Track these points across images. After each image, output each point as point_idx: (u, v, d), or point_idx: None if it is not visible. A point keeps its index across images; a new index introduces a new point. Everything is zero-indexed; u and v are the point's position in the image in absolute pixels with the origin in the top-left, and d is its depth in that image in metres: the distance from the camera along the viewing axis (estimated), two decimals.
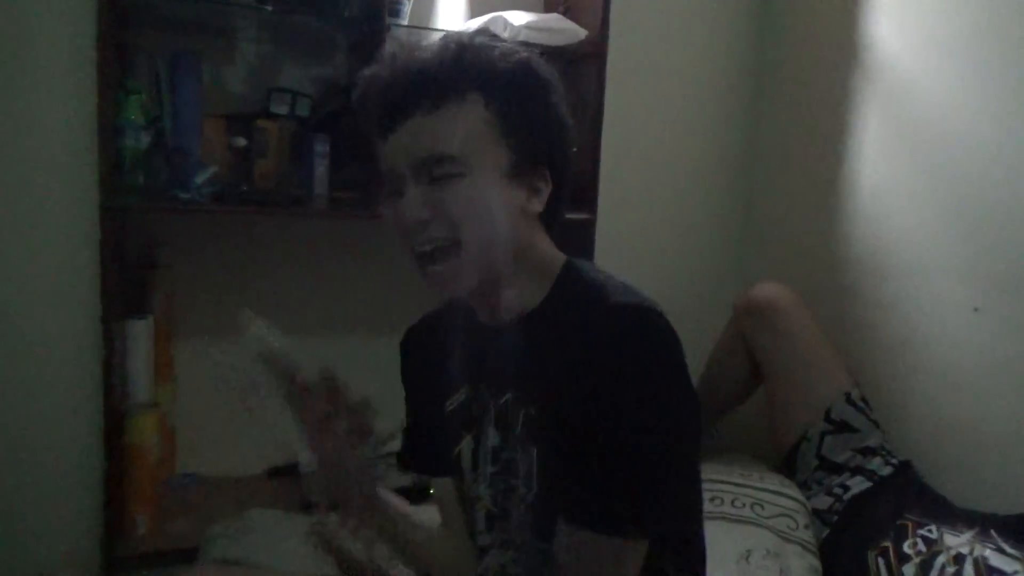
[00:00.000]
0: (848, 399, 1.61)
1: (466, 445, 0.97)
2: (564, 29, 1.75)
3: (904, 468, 1.56)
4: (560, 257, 0.94)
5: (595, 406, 0.79)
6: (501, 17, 1.70)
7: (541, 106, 0.89)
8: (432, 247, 0.85)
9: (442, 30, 1.87)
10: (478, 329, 0.96)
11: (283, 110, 1.74)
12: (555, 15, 1.81)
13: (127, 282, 1.67)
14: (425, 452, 1.05)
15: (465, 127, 0.84)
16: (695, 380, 1.81)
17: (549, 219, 0.94)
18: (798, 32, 2.11)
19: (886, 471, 1.55)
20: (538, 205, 0.90)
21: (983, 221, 1.58)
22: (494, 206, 0.85)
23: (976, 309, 1.57)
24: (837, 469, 1.57)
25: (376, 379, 2.04)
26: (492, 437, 0.93)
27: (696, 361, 1.86)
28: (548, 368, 0.86)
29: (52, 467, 1.59)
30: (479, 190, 0.84)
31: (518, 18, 1.69)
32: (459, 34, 0.89)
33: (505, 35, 1.69)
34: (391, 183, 0.88)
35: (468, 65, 0.85)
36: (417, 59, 0.86)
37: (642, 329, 0.81)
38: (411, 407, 1.10)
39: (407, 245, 0.88)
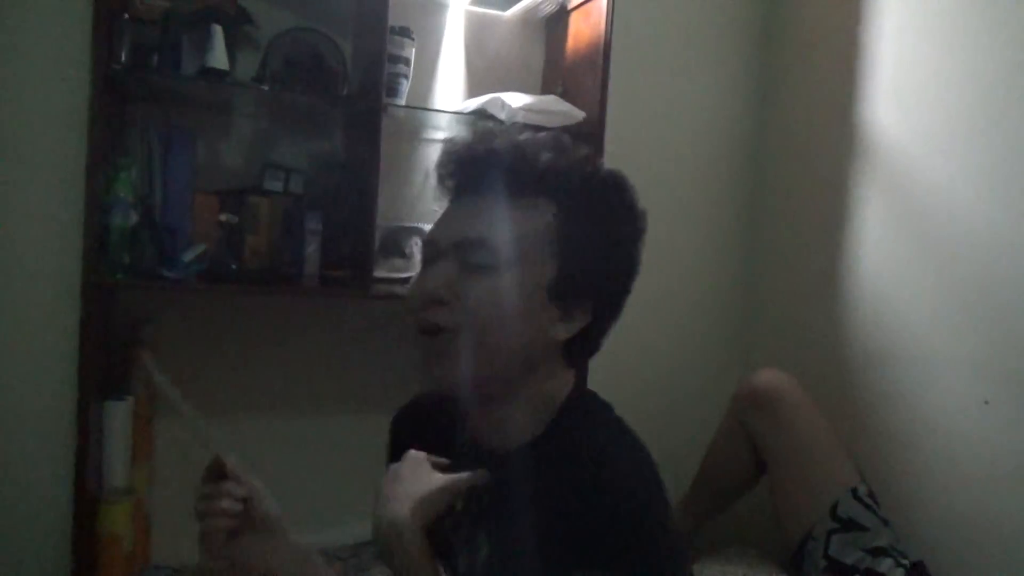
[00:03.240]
0: (855, 495, 1.54)
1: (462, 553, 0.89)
2: (562, 111, 1.74)
3: (917, 570, 1.48)
4: (563, 396, 0.86)
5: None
6: (499, 98, 1.70)
7: (611, 239, 0.83)
8: (436, 325, 0.79)
9: (439, 111, 1.88)
10: (467, 445, 0.89)
11: (277, 186, 1.72)
12: (553, 97, 1.80)
13: (110, 361, 1.62)
14: None
15: (522, 225, 0.79)
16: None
17: (576, 353, 0.85)
18: (795, 116, 2.11)
19: (898, 573, 1.46)
20: (564, 333, 0.82)
21: (991, 310, 1.54)
22: (515, 315, 0.79)
23: (987, 402, 1.52)
24: (846, 571, 1.48)
25: (365, 460, 1.99)
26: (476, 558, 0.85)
27: (697, 450, 1.83)
28: (515, 520, 0.80)
29: (20, 556, 1.50)
30: (507, 292, 0.78)
31: (516, 99, 1.69)
32: (562, 137, 0.85)
33: (502, 116, 1.68)
34: (427, 252, 0.84)
35: (556, 171, 0.81)
36: (509, 142, 0.82)
37: (621, 513, 0.74)
38: None
39: (412, 317, 0.82)
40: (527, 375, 0.82)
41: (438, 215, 0.86)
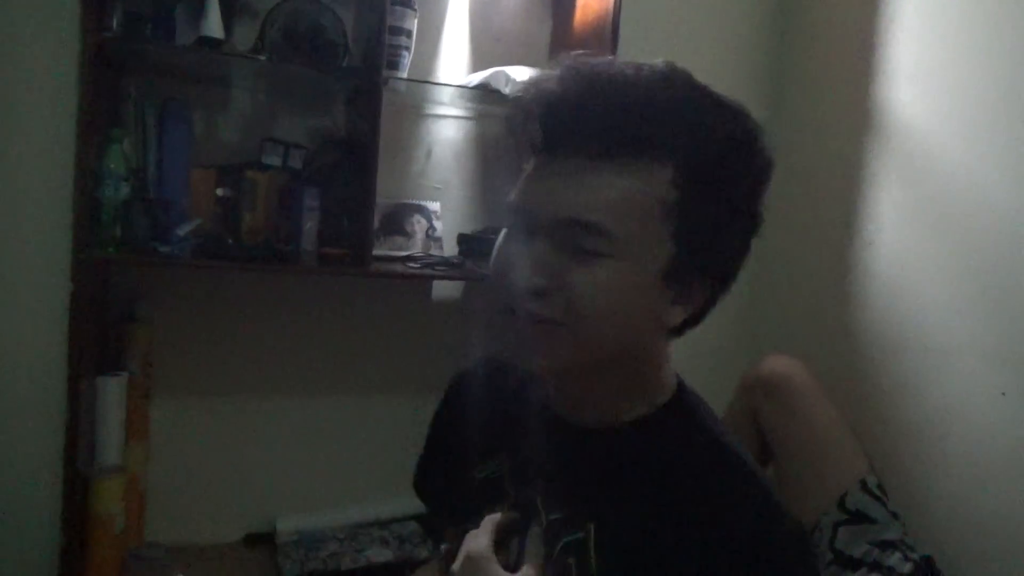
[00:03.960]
0: (864, 486, 1.49)
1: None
2: None
3: (926, 565, 1.44)
4: (673, 377, 0.78)
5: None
6: (503, 72, 1.65)
7: (738, 203, 0.71)
8: (539, 316, 0.69)
9: (443, 84, 1.83)
10: (546, 412, 0.81)
11: (275, 161, 1.68)
12: None
13: (103, 337, 1.59)
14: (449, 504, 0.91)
15: (636, 201, 0.66)
16: None
17: (683, 327, 0.76)
18: (811, 94, 2.05)
19: (906, 568, 1.42)
20: (679, 316, 0.72)
21: (1010, 299, 1.48)
22: (627, 308, 0.69)
23: (1004, 393, 1.46)
24: (853, 564, 1.44)
25: (361, 439, 1.95)
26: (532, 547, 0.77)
27: None
28: (620, 503, 0.72)
29: (8, 533, 1.49)
30: (619, 284, 0.67)
31: (521, 73, 1.63)
32: (676, 71, 0.69)
33: (506, 91, 1.63)
34: (520, 222, 0.71)
35: (674, 124, 0.67)
36: (613, 84, 0.67)
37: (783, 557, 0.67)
38: (434, 447, 0.97)
39: (506, 299, 0.72)
40: (632, 356, 0.74)
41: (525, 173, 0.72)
